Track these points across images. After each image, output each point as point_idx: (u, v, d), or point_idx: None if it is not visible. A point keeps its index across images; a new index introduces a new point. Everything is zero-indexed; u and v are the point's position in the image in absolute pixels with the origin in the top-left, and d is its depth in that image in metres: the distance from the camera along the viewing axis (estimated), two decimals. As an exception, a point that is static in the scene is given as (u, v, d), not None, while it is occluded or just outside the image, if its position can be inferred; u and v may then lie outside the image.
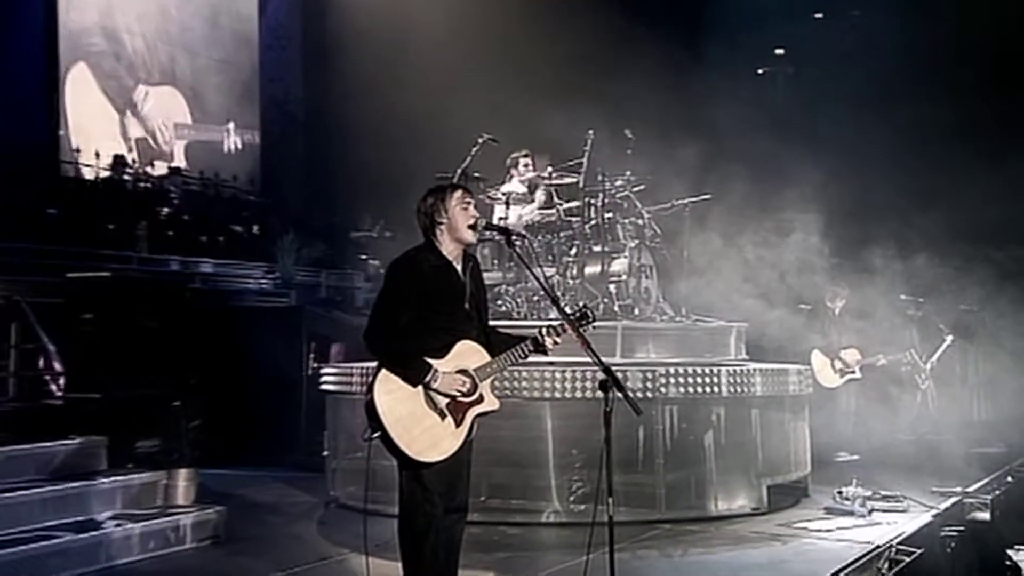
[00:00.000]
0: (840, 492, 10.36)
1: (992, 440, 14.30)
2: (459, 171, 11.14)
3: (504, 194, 11.61)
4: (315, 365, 13.61)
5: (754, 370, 10.42)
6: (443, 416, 5.93)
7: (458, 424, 5.96)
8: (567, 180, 11.54)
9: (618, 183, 11.45)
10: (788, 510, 10.57)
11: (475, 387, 6.01)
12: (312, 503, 11.12)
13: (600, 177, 11.44)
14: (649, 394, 9.67)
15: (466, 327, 6.12)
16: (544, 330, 6.09)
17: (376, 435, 5.87)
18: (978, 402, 15.64)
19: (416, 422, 5.92)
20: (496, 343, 6.20)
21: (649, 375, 9.76)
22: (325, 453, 11.13)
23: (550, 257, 11.28)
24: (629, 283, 11.31)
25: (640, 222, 11.67)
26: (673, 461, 9.84)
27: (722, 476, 10.06)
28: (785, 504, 10.69)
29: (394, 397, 5.87)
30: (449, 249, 6.08)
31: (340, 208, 20.63)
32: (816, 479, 11.32)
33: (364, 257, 19.23)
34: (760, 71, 19.70)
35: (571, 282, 11.17)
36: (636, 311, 11.23)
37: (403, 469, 6.03)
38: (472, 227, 6.08)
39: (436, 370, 5.92)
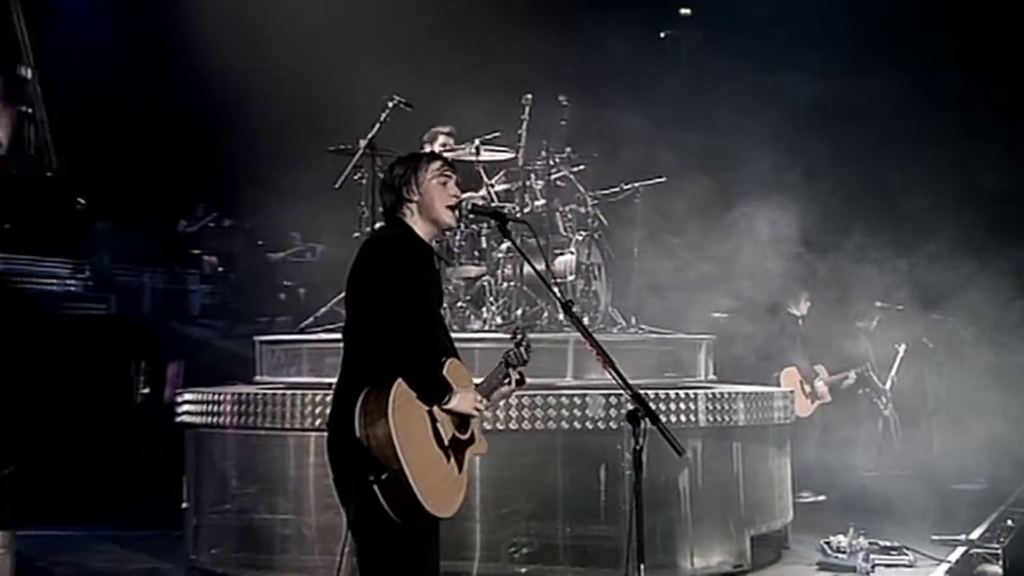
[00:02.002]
0: (828, 543, 9.54)
1: (969, 475, 13.51)
2: (365, 142, 10.00)
3: None
4: (146, 390, 12.77)
5: (736, 395, 9.49)
6: (447, 456, 5.16)
7: (460, 467, 5.24)
8: (500, 156, 10.33)
9: (556, 162, 10.34)
10: (773, 566, 9.82)
11: (468, 419, 5.33)
12: (163, 570, 9.92)
13: (544, 153, 10.25)
14: (613, 424, 8.70)
15: (445, 338, 5.49)
16: (512, 351, 5.47)
17: (384, 477, 4.94)
18: (940, 428, 14.54)
19: (430, 465, 5.09)
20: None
21: (613, 401, 8.75)
22: (184, 505, 9.95)
23: (476, 253, 10.02)
24: (576, 285, 10.14)
25: (583, 210, 10.51)
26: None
27: (699, 526, 9.17)
28: (768, 559, 9.90)
29: (408, 427, 5.02)
30: (421, 232, 5.41)
31: (169, 193, 18.33)
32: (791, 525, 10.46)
33: (198, 252, 17.31)
34: (663, 35, 18.52)
35: (505, 284, 9.99)
36: (586, 320, 10.00)
37: (382, 530, 5.09)
38: (452, 208, 5.43)
39: (453, 389, 5.18)
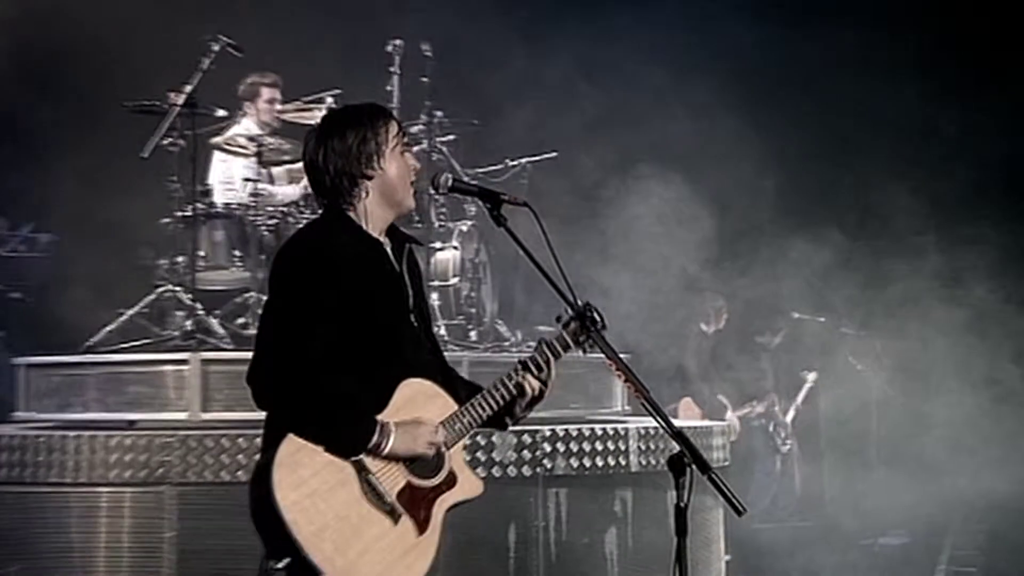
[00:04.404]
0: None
1: (886, 525, 12.57)
2: (181, 97, 8.73)
3: (242, 142, 9.19)
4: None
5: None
6: (395, 517, 4.64)
7: (422, 528, 4.70)
8: None
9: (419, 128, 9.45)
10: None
11: (441, 458, 4.80)
12: None
13: (425, 117, 9.41)
14: (526, 471, 8.11)
15: (412, 355, 4.90)
16: (544, 344, 4.91)
17: (283, 565, 4.53)
18: (849, 469, 13.71)
19: (354, 534, 4.62)
20: (460, 384, 5.04)
21: (527, 440, 8.13)
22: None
23: None
24: (461, 290, 9.42)
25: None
26: (559, 576, 8.81)
27: (629, 598, 9.00)
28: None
29: (309, 491, 4.55)
30: (374, 222, 4.87)
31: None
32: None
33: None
34: None
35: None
36: (473, 335, 9.36)
37: None
38: (414, 184, 4.98)
39: (386, 426, 4.63)
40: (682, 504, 4.58)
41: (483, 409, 4.85)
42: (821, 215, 11.87)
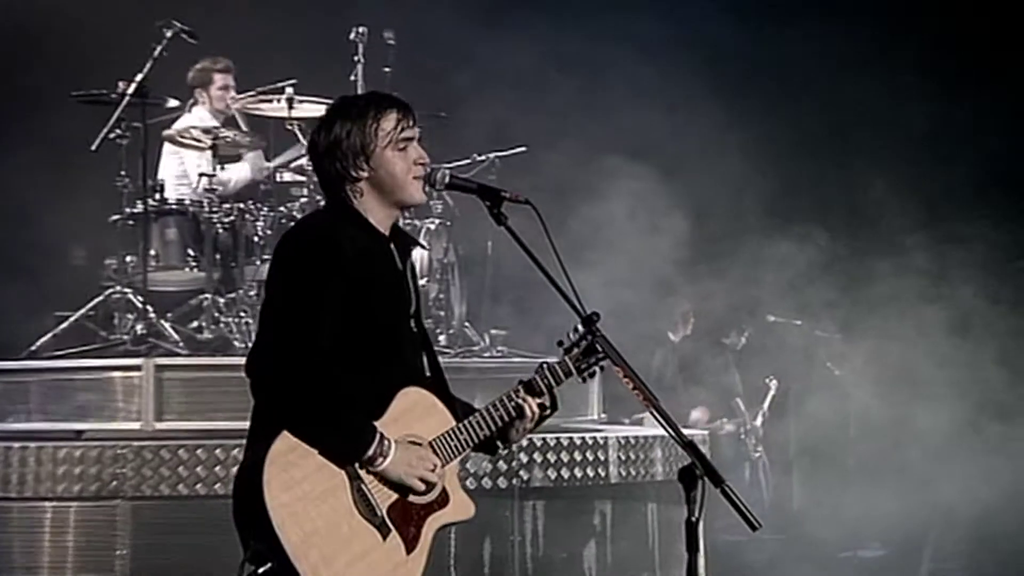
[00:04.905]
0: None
1: (864, 536, 12.25)
2: (132, 86, 8.40)
3: (197, 135, 8.85)
4: None
5: (652, 440, 8.80)
6: (384, 532, 4.51)
7: (410, 546, 4.57)
8: (323, 111, 8.47)
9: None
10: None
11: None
12: None
13: None
14: (501, 483, 8.03)
15: (411, 359, 4.73)
16: (546, 368, 4.73)
17: (264, 570, 4.38)
18: (823, 479, 13.56)
19: (342, 545, 4.46)
20: (453, 397, 4.84)
21: (502, 451, 7.44)
22: None
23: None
24: (429, 292, 9.21)
25: (425, 189, 8.68)
26: (536, 594, 8.91)
27: (607, 615, 9.05)
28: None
29: (300, 494, 4.37)
30: (378, 218, 4.65)
31: None
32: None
33: None
34: None
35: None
36: (443, 339, 9.16)
37: None
38: (422, 179, 4.65)
39: (386, 440, 4.45)
40: (694, 518, 4.41)
41: (481, 428, 4.69)
42: (802, 215, 11.73)
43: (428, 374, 4.76)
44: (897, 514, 11.76)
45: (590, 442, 8.30)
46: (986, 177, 12.20)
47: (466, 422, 4.68)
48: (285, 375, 4.41)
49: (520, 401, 4.68)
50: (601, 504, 8.42)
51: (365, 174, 4.59)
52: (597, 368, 4.74)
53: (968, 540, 11.67)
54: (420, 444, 4.65)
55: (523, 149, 10.22)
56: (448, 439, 4.63)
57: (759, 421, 12.85)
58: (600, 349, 4.73)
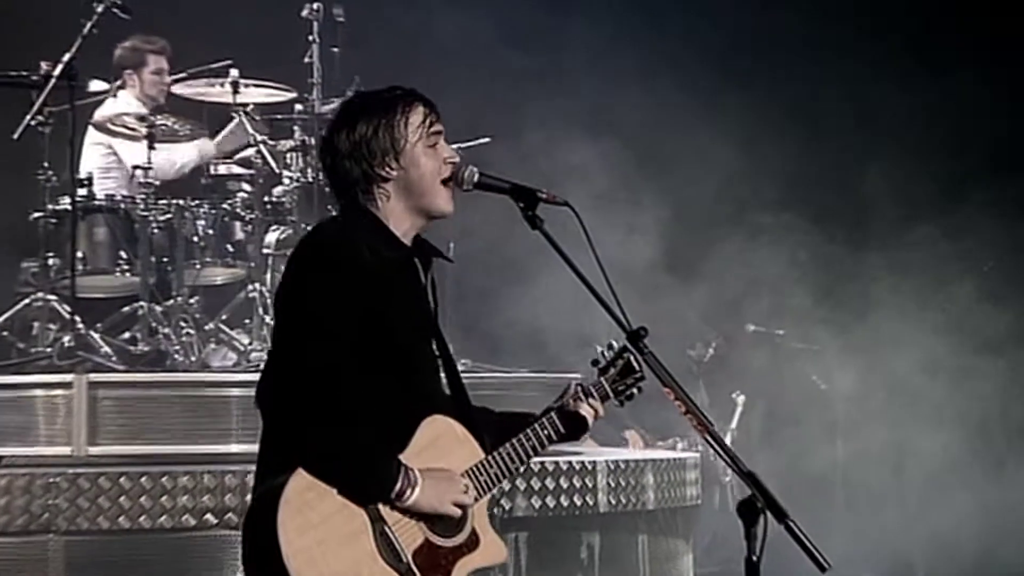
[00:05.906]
0: None
1: (853, 565, 11.19)
2: (56, 67, 7.99)
3: (130, 122, 8.36)
4: None
5: (644, 464, 8.47)
6: None
7: None
8: (277, 97, 8.72)
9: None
10: None
11: (464, 514, 4.42)
12: None
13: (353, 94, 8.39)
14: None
15: (433, 384, 4.54)
16: (579, 389, 4.52)
17: None
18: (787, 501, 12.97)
19: None
20: (483, 422, 4.56)
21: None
22: None
23: (228, 246, 8.63)
24: None
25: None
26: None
27: (595, 666, 8.63)
28: None
29: (317, 538, 4.19)
30: (403, 228, 4.44)
31: None
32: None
33: None
34: None
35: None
36: None
37: None
38: (451, 181, 4.40)
39: (411, 473, 4.26)
40: (754, 557, 4.19)
41: (512, 461, 4.55)
42: (783, 219, 11.40)
43: (449, 393, 4.61)
44: (890, 539, 11.47)
45: (577, 467, 7.95)
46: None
47: (497, 454, 4.52)
48: (300, 409, 4.26)
49: (552, 432, 4.52)
50: (589, 535, 8.10)
51: (395, 173, 4.41)
52: (635, 390, 4.58)
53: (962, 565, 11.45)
54: (452, 475, 4.53)
55: (487, 140, 9.78)
56: (478, 472, 4.45)
57: (728, 440, 12.48)
58: (638, 368, 4.59)
